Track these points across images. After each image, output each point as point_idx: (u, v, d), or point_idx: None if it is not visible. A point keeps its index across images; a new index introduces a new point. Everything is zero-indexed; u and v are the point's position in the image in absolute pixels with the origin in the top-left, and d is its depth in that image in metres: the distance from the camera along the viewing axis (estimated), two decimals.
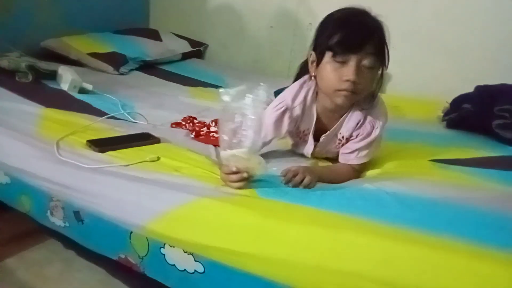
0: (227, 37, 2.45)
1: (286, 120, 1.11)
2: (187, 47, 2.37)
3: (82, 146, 1.18)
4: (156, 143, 1.23)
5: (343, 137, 1.12)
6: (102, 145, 1.17)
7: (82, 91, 1.61)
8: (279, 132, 1.12)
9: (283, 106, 1.10)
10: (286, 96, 1.11)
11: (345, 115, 1.11)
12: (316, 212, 0.89)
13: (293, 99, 1.10)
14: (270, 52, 2.33)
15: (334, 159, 1.18)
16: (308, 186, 0.98)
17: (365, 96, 1.06)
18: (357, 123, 1.09)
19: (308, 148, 1.16)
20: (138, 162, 1.10)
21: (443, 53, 1.91)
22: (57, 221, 1.12)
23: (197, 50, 2.44)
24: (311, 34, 1.07)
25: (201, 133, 1.34)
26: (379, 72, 1.04)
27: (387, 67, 1.04)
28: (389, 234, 0.80)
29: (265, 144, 1.11)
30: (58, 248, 1.32)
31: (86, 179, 1.06)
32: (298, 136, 1.18)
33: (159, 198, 0.97)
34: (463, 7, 1.84)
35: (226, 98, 0.91)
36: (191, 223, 0.92)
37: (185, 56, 2.34)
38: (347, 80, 0.98)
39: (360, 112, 1.09)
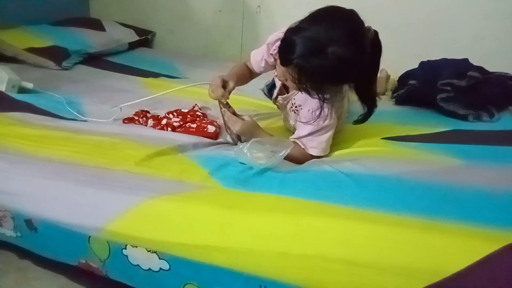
0: (174, 23, 2.38)
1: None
2: (133, 36, 2.27)
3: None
4: None
5: (294, 103, 1.18)
6: None
7: (22, 90, 1.50)
8: (268, 51, 1.20)
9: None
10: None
11: None
12: (278, 199, 0.90)
13: None
14: (220, 36, 2.29)
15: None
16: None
17: None
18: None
19: (275, 92, 1.29)
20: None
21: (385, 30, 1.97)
22: (7, 231, 1.05)
23: (144, 39, 2.35)
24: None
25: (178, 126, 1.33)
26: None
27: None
28: (348, 215, 0.84)
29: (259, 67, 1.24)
30: (11, 258, 1.25)
31: (36, 185, 1.00)
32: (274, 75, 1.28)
33: (117, 197, 0.94)
34: None
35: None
36: (153, 221, 0.90)
37: (132, 45, 2.25)
38: None
39: None
